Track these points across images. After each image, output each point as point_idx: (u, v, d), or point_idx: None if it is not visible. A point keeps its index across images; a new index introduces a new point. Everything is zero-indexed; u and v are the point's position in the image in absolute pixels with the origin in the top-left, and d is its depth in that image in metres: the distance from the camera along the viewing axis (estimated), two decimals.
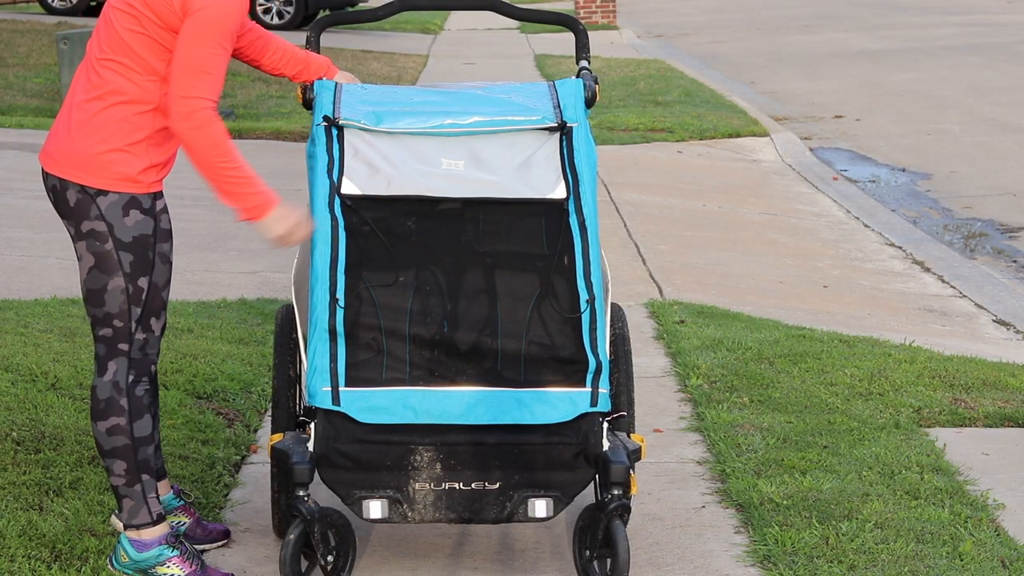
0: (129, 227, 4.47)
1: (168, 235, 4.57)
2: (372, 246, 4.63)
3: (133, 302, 4.51)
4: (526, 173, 4.70)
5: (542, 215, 4.68)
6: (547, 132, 4.76)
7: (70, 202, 4.48)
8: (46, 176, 4.52)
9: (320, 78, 4.91)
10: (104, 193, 4.45)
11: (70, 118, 4.48)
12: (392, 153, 4.68)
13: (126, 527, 4.61)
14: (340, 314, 4.55)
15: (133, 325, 4.52)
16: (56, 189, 4.50)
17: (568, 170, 4.71)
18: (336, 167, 4.69)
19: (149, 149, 4.48)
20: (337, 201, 4.65)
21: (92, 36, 4.57)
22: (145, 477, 4.58)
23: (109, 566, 4.67)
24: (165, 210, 4.57)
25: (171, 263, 4.59)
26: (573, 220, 4.68)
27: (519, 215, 4.67)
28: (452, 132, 4.72)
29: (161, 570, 4.59)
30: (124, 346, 4.53)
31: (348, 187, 4.64)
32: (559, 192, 4.69)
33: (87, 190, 4.46)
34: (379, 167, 4.69)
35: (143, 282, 4.51)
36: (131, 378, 4.55)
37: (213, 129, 4.39)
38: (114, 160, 4.44)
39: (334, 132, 4.71)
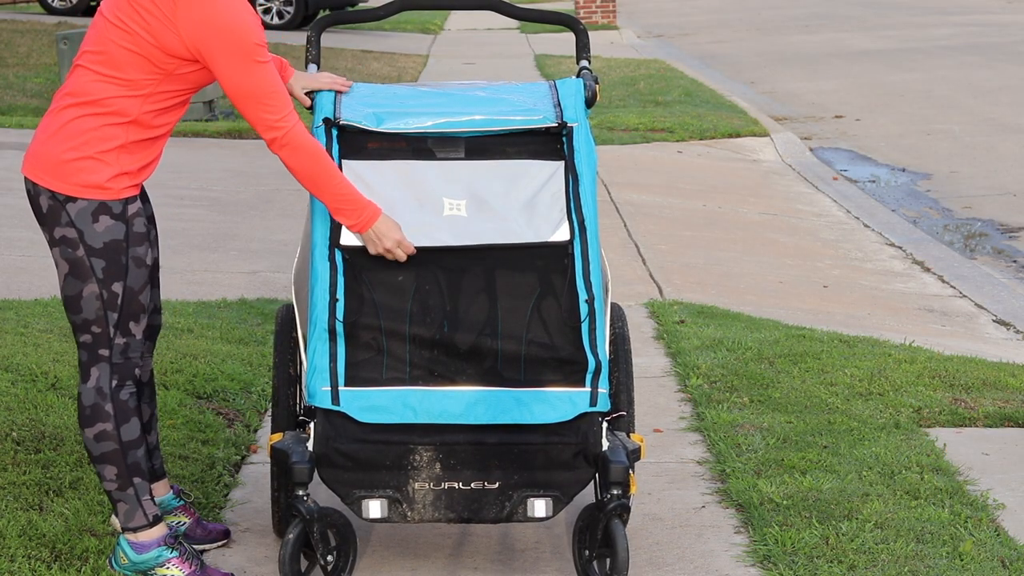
0: (99, 233, 4.44)
1: (142, 238, 4.51)
2: None
3: (109, 308, 4.48)
4: (531, 213, 4.66)
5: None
6: (553, 162, 4.72)
7: (42, 208, 4.46)
8: (24, 179, 4.52)
9: None
10: (73, 200, 4.42)
11: (48, 122, 4.47)
12: (393, 193, 4.64)
13: (123, 530, 4.61)
14: (340, 314, 4.55)
15: (112, 330, 4.49)
16: (30, 193, 4.49)
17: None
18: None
19: (121, 157, 4.43)
20: None
21: (84, 39, 4.55)
22: (137, 480, 4.57)
23: (109, 567, 4.66)
24: (139, 213, 4.51)
25: (148, 266, 4.53)
26: (574, 222, 4.68)
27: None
28: (453, 133, 4.71)
29: (160, 571, 4.58)
30: (105, 352, 4.51)
31: (347, 238, 4.60)
32: (562, 234, 4.66)
33: (57, 196, 4.43)
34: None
35: (118, 287, 4.47)
36: (114, 383, 4.53)
37: (305, 148, 4.44)
38: (83, 168, 4.40)
39: (334, 133, 4.71)
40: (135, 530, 4.59)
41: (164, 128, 4.51)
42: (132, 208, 4.49)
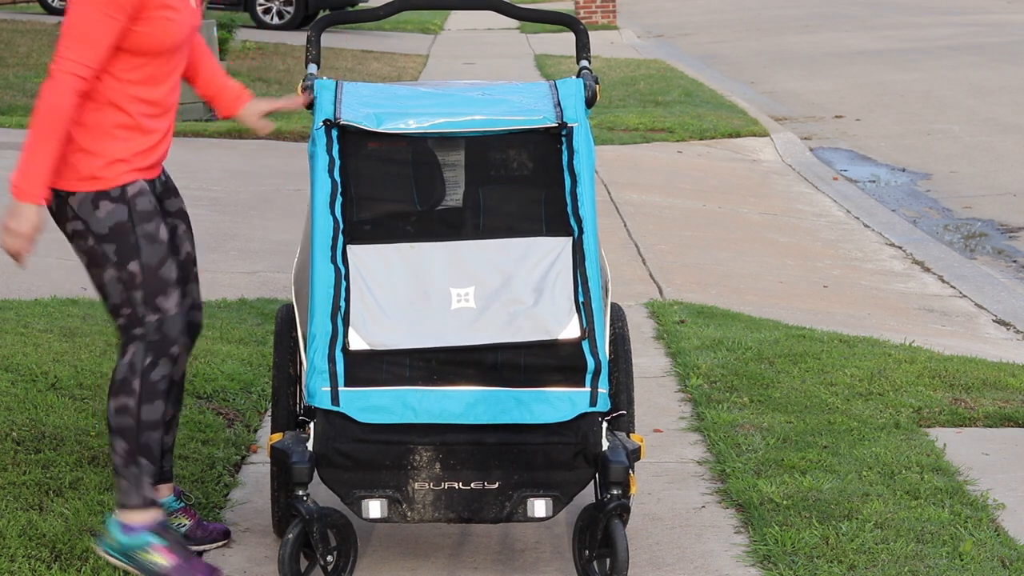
0: (102, 219, 4.49)
1: (150, 215, 4.53)
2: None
3: (130, 288, 4.52)
4: (540, 301, 4.59)
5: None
6: (560, 239, 4.65)
7: (52, 207, 4.54)
8: None
9: (228, 114, 4.92)
10: (72, 194, 4.49)
11: None
12: (400, 285, 4.60)
13: (117, 507, 4.61)
14: (340, 314, 4.55)
15: (140, 309, 4.53)
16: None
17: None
18: (337, 167, 4.68)
19: (108, 145, 4.48)
20: (339, 201, 4.65)
21: None
22: (143, 461, 4.57)
23: (96, 548, 4.67)
24: (142, 192, 4.53)
25: (163, 241, 4.54)
26: (573, 223, 4.68)
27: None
28: (454, 133, 4.72)
29: (144, 556, 4.59)
30: (139, 331, 4.55)
31: (356, 342, 4.56)
32: (572, 331, 4.59)
33: (60, 193, 4.50)
34: (387, 313, 4.57)
35: (134, 266, 4.51)
36: (148, 360, 4.55)
37: (56, 98, 4.36)
38: (74, 161, 4.47)
39: (334, 133, 4.71)
40: (128, 508, 4.59)
41: (144, 111, 4.52)
42: (132, 190, 4.52)
